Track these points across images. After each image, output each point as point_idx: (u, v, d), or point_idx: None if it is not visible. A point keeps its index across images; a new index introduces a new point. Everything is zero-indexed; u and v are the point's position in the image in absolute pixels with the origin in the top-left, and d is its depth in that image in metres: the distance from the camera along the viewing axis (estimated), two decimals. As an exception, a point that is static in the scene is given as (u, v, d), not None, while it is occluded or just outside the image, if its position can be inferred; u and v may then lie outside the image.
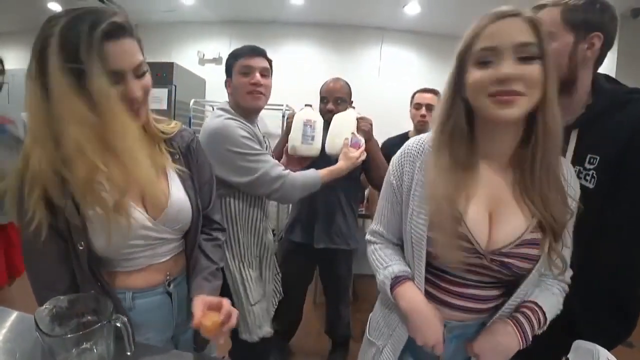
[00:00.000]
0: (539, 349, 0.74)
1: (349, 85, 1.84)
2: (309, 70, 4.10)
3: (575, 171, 0.82)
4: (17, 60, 4.93)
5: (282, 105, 3.55)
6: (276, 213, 3.54)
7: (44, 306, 0.71)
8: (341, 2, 3.51)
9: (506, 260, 0.66)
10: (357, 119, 1.63)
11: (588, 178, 0.83)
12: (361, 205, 2.69)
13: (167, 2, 3.69)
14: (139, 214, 0.79)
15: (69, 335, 0.67)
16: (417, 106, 2.11)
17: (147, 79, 0.74)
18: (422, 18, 3.64)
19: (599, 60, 0.86)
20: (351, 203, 1.83)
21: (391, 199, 0.79)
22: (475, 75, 0.62)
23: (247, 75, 1.29)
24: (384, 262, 0.78)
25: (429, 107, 2.03)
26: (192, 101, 3.51)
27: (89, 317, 0.74)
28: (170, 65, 3.37)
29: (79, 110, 0.64)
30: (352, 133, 1.56)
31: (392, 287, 0.73)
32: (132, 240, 0.79)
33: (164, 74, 3.30)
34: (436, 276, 0.74)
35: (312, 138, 1.59)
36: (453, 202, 0.65)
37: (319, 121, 1.64)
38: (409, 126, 2.28)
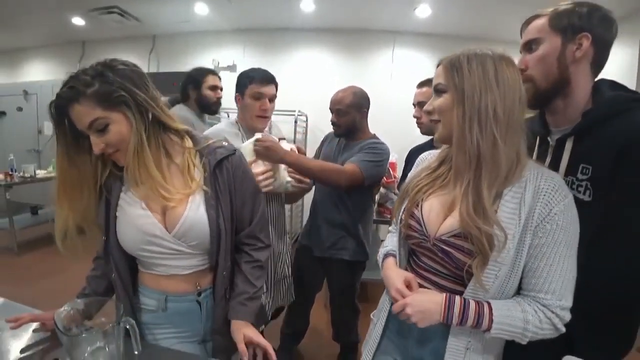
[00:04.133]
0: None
1: (357, 95, 1.72)
2: (321, 76, 4.15)
3: (568, 182, 0.82)
4: (45, 73, 5.27)
5: (295, 111, 3.62)
6: (290, 217, 3.60)
7: (63, 308, 0.79)
8: (352, 6, 3.55)
9: (446, 247, 0.76)
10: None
11: (581, 189, 0.80)
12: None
13: (182, 13, 3.84)
14: (154, 223, 0.86)
15: (83, 335, 0.74)
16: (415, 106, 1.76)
17: (112, 132, 0.78)
18: (434, 20, 3.63)
19: (597, 63, 0.85)
20: (356, 217, 1.75)
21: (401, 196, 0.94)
22: None
23: (258, 100, 1.43)
24: (385, 244, 0.97)
25: (421, 105, 1.62)
26: (207, 108, 3.62)
27: (103, 319, 0.81)
28: (185, 74, 3.49)
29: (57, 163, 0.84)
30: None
31: (382, 261, 0.92)
32: (147, 245, 0.87)
33: (179, 83, 3.43)
34: (414, 262, 0.88)
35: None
36: (417, 192, 0.85)
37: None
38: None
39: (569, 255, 0.70)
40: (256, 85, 1.42)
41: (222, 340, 0.96)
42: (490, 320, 0.71)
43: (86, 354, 0.76)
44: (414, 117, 1.72)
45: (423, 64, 4.00)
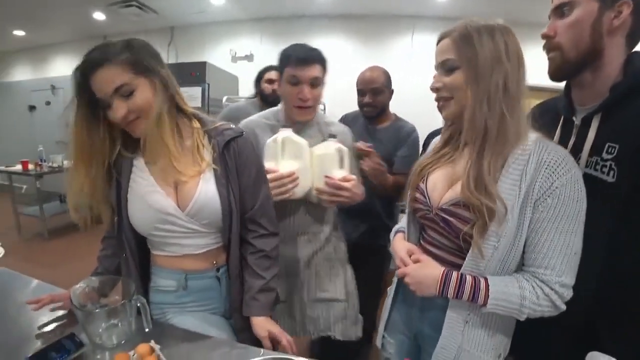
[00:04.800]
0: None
1: (386, 74, 1.67)
2: (339, 63, 4.06)
3: (591, 163, 0.77)
4: (70, 68, 5.43)
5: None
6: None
7: (79, 285, 0.81)
8: (369, -8, 3.47)
9: (446, 216, 0.76)
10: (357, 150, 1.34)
11: (606, 170, 0.74)
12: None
13: (198, 4, 3.86)
14: (168, 202, 0.87)
15: (96, 310, 0.76)
16: None
17: (137, 97, 0.79)
18: (454, 4, 3.49)
19: (633, 35, 0.77)
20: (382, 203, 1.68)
21: None
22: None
23: (295, 85, 1.16)
24: (400, 223, 0.99)
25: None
26: (224, 98, 3.62)
27: (116, 297, 0.83)
28: (203, 64, 3.54)
29: (75, 133, 0.83)
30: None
31: (393, 238, 0.95)
32: (161, 224, 0.87)
33: (197, 73, 3.47)
34: (423, 238, 0.89)
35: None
36: (423, 168, 0.87)
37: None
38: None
39: (571, 231, 0.67)
40: (291, 67, 1.15)
41: (242, 320, 0.95)
42: (486, 296, 0.70)
43: (100, 330, 0.78)
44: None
45: (443, 49, 3.86)
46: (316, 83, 1.17)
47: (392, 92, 1.71)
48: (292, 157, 1.13)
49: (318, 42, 4.17)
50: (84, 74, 0.77)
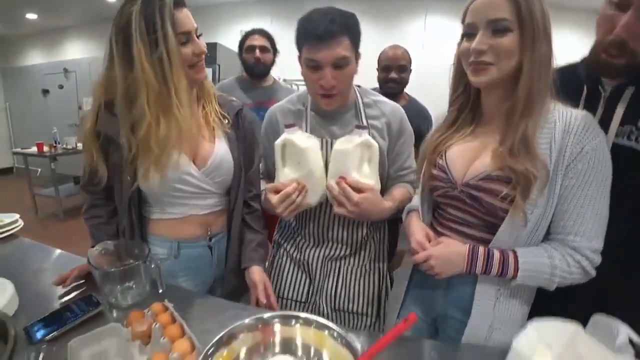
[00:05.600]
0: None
1: (409, 53, 1.72)
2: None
3: (625, 132, 0.74)
4: (82, 51, 5.49)
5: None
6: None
7: (95, 247, 0.83)
8: (382, -28, 3.38)
9: (475, 193, 0.72)
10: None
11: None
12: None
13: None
14: (185, 162, 0.89)
15: (112, 270, 0.78)
16: None
17: (202, 41, 0.87)
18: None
19: None
20: None
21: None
22: (461, 46, 0.72)
23: (315, 70, 0.90)
24: (412, 202, 0.95)
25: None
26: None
27: (131, 260, 0.85)
28: (214, 45, 3.51)
29: (150, 78, 0.78)
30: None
31: (405, 217, 0.92)
32: (178, 184, 0.89)
33: (207, 54, 3.43)
34: (439, 214, 0.85)
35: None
36: (438, 145, 0.81)
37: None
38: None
39: (600, 197, 0.66)
40: (308, 47, 0.88)
41: (235, 280, 1.03)
42: (516, 269, 0.68)
43: (116, 290, 0.80)
44: None
45: (457, 32, 3.76)
46: (342, 64, 0.89)
47: (411, 71, 1.75)
48: (295, 163, 0.94)
49: (329, 24, 4.18)
50: (173, 8, 0.79)
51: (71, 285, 0.88)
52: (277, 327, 0.61)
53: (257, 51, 1.83)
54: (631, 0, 0.65)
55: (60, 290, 0.86)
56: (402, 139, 1.03)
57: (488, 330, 0.74)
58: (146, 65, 0.77)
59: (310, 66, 0.90)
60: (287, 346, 0.60)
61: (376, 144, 0.92)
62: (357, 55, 0.93)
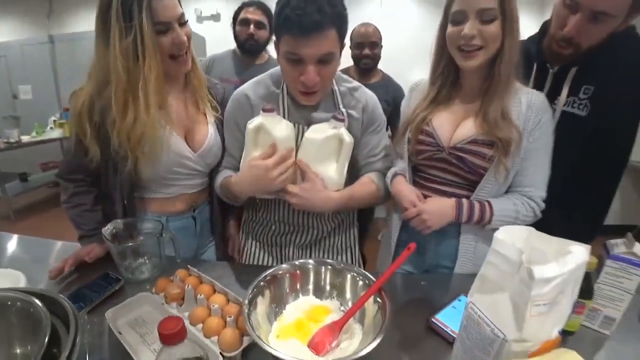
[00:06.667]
0: None
1: (378, 30, 1.80)
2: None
3: (569, 102, 0.92)
4: (11, 33, 4.88)
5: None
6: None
7: (107, 227, 0.86)
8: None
9: (461, 154, 0.85)
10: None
11: (581, 107, 0.90)
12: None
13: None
14: (182, 146, 0.94)
15: (130, 244, 0.83)
16: None
17: (188, 28, 0.87)
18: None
19: None
20: None
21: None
22: (450, 30, 0.81)
23: (296, 64, 0.82)
24: (392, 169, 1.01)
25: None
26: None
27: (141, 238, 0.89)
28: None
29: (119, 66, 0.79)
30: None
31: (391, 181, 0.97)
32: (175, 167, 0.95)
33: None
34: (420, 177, 0.96)
35: None
36: (424, 110, 0.91)
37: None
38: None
39: (547, 158, 0.85)
40: (290, 37, 0.78)
41: (221, 243, 1.15)
42: (491, 214, 0.84)
43: (134, 265, 0.85)
44: None
45: (412, 9, 3.92)
46: (328, 59, 0.81)
47: (382, 47, 1.84)
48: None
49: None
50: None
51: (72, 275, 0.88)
52: (309, 270, 0.72)
53: (252, 26, 1.71)
54: (580, 4, 0.80)
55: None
56: (373, 126, 1.01)
57: (471, 268, 0.90)
58: (118, 50, 0.79)
59: (291, 59, 0.81)
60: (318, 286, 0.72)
61: (349, 140, 0.88)
62: (342, 47, 0.85)
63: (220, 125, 1.03)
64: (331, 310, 0.68)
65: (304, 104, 0.92)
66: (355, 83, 1.01)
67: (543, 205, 0.86)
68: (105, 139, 0.86)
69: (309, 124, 0.93)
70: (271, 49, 1.67)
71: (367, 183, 0.99)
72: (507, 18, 0.75)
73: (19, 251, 1.06)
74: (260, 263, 1.08)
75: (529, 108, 0.81)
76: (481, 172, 0.84)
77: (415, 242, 0.66)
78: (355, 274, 0.70)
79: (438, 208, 0.85)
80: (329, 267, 0.72)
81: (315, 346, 0.58)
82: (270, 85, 0.96)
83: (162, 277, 0.79)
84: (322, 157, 0.89)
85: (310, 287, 0.71)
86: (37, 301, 0.47)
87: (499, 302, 0.43)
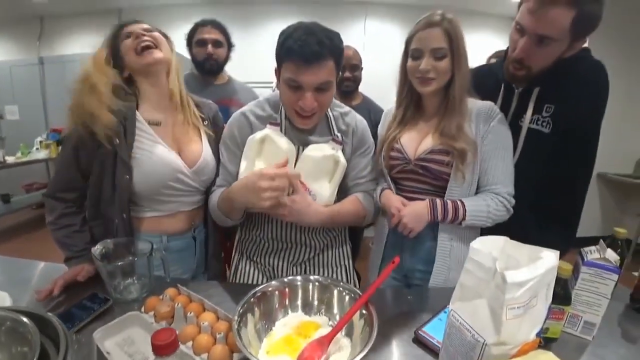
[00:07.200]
0: None
1: (358, 52, 1.83)
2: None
3: (534, 119, 0.99)
4: (1, 53, 4.88)
5: (272, 82, 3.63)
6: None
7: (96, 246, 0.86)
8: (323, -23, 3.54)
9: (425, 164, 0.96)
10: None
11: (544, 124, 0.97)
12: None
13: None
14: (178, 161, 0.97)
15: (120, 264, 0.82)
16: None
17: (144, 25, 1.00)
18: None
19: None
20: None
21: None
22: (410, 64, 0.95)
23: (295, 90, 0.88)
24: (379, 186, 1.10)
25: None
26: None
27: (130, 258, 0.88)
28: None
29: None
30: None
31: (379, 195, 1.06)
32: (171, 182, 0.97)
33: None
34: (399, 189, 1.05)
35: None
36: (394, 130, 1.03)
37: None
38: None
39: (507, 156, 0.95)
40: (291, 65, 0.85)
41: (217, 265, 1.16)
42: (464, 212, 0.92)
43: (122, 285, 0.84)
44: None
45: (395, 35, 4.09)
46: (325, 87, 0.88)
47: (362, 69, 1.88)
48: (271, 160, 0.92)
49: (271, 27, 4.27)
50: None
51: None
52: (297, 287, 0.74)
53: (210, 46, 1.66)
54: (526, 29, 0.88)
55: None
56: (362, 149, 1.05)
57: (447, 271, 0.96)
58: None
59: (292, 86, 0.88)
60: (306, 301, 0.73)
61: (344, 163, 0.96)
62: (338, 76, 0.93)
63: (214, 143, 1.06)
64: (320, 325, 0.69)
65: (300, 127, 0.97)
66: (346, 108, 1.08)
67: (512, 200, 0.94)
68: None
69: (305, 145, 0.98)
70: (234, 71, 1.81)
71: (354, 201, 1.03)
72: (456, 55, 0.90)
73: (1, 272, 1.03)
74: (254, 282, 1.08)
75: (478, 116, 0.94)
76: (445, 177, 0.94)
77: (398, 252, 0.70)
78: (341, 289, 0.72)
79: (414, 210, 0.93)
80: (317, 283, 0.74)
81: None
82: (268, 109, 1.02)
83: (152, 296, 0.78)
84: (318, 175, 0.95)
85: (299, 303, 0.72)
86: (27, 320, 0.47)
87: (478, 307, 0.46)
